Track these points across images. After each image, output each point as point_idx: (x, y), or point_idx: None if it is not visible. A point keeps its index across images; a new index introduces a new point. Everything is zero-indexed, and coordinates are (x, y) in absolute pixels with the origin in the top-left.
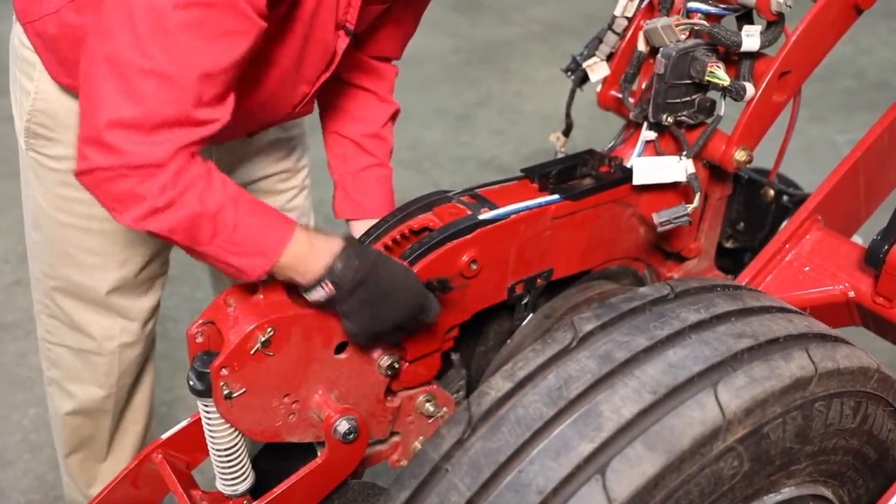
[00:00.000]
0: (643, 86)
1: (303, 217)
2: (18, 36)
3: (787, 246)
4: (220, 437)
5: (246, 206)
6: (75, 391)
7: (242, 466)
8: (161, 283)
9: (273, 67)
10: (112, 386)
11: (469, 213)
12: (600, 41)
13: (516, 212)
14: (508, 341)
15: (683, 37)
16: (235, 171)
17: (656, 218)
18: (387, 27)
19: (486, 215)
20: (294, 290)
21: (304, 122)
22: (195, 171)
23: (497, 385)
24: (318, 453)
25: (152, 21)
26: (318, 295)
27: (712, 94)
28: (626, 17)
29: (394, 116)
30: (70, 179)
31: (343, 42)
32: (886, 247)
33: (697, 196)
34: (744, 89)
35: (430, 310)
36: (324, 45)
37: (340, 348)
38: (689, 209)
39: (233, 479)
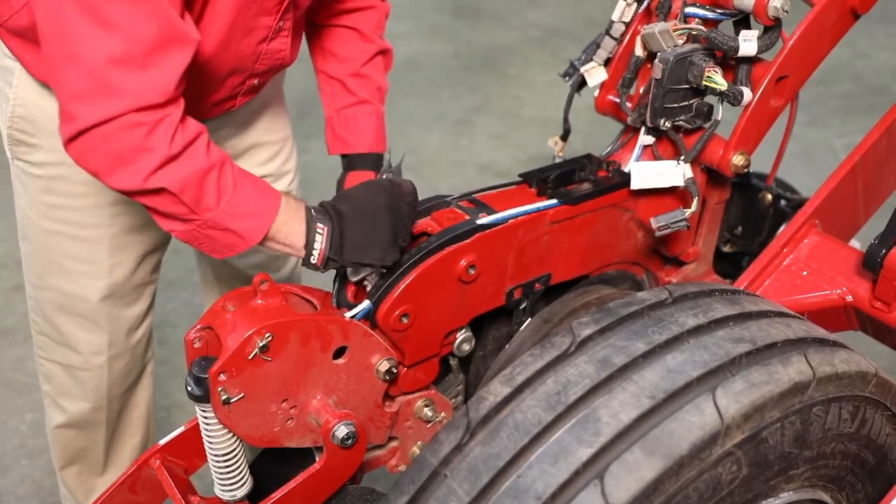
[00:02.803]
0: (641, 90)
1: None
2: (0, 47)
3: (785, 250)
4: (219, 442)
5: (237, 166)
6: (66, 405)
7: (241, 472)
8: (150, 292)
9: None
10: (102, 399)
11: (467, 217)
12: (598, 46)
13: (514, 216)
14: (507, 346)
15: (681, 42)
16: None
17: (654, 222)
18: None
19: (484, 220)
20: (291, 297)
21: (289, 125)
22: (195, 124)
23: (495, 390)
24: (317, 458)
25: None
26: (320, 243)
27: (710, 99)
28: (624, 22)
29: (382, 55)
30: (54, 186)
31: None
32: (884, 251)
33: (695, 200)
34: (741, 94)
35: (403, 185)
36: None
37: (339, 353)
38: (687, 214)
39: (231, 484)
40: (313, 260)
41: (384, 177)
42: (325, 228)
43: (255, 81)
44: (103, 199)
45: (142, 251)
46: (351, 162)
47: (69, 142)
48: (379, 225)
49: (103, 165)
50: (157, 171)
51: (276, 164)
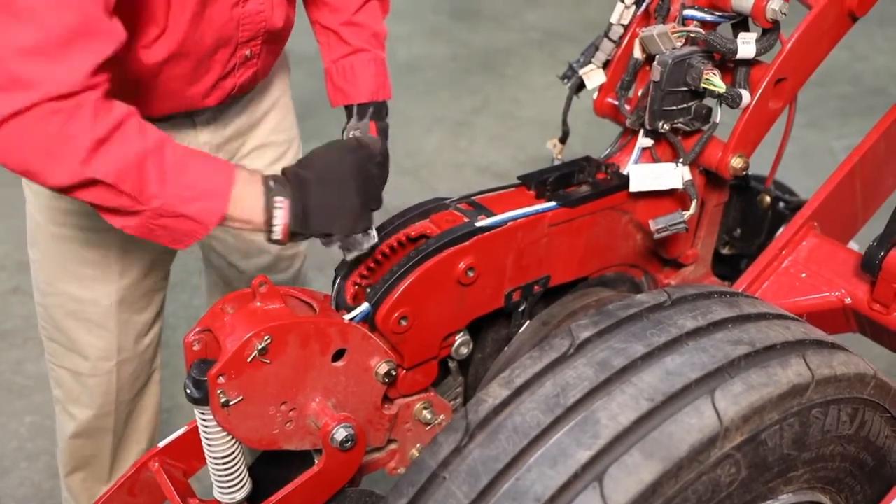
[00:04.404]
0: (639, 93)
1: None
2: None
3: (783, 252)
4: (217, 445)
5: (180, 146)
6: (76, 413)
7: (239, 474)
8: (160, 300)
9: None
10: (110, 404)
11: (466, 220)
12: (596, 48)
13: (513, 219)
14: (506, 348)
15: (679, 44)
16: None
17: (653, 225)
18: None
19: (483, 222)
20: (290, 299)
21: (295, 126)
22: (121, 106)
23: (494, 392)
24: (316, 461)
25: None
26: (280, 218)
27: (708, 102)
28: (623, 25)
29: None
30: None
31: None
32: (882, 253)
33: (694, 203)
34: (740, 96)
35: (370, 145)
36: None
37: (338, 356)
38: (685, 216)
39: (230, 487)
40: (275, 236)
41: (351, 134)
42: (286, 202)
43: (247, 52)
44: None
45: (151, 256)
46: (352, 113)
47: None
48: (346, 191)
49: (34, 162)
50: (88, 161)
51: (283, 164)
